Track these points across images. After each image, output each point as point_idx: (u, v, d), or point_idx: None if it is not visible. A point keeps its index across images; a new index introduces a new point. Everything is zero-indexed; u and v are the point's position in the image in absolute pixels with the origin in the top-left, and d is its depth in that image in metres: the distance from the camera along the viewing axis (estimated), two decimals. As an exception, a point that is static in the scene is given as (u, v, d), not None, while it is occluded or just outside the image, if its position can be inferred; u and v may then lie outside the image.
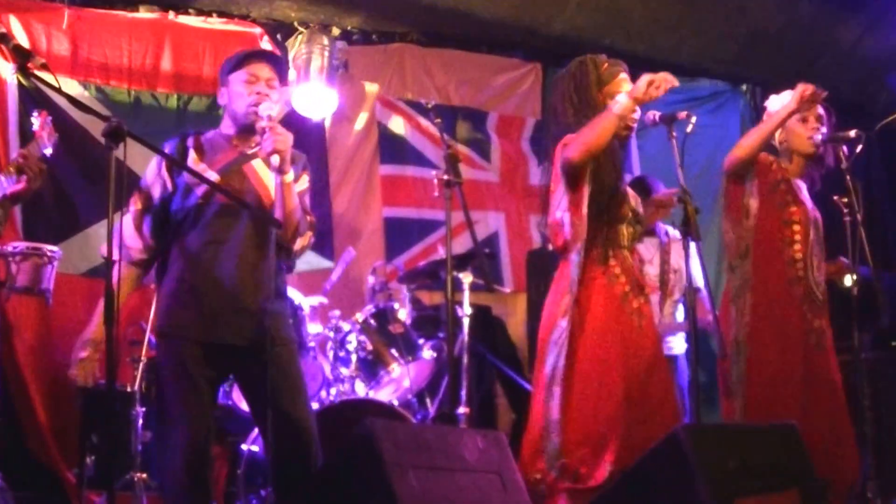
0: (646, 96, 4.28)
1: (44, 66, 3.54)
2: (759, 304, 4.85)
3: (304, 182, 4.40)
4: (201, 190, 4.17)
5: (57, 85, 3.59)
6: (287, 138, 4.10)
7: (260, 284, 4.13)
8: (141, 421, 5.61)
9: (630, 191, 4.61)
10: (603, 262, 4.42)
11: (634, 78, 4.67)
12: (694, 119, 4.42)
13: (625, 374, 4.31)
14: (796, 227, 4.89)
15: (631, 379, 4.32)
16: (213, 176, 4.17)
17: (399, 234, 7.69)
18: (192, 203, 4.18)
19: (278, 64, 4.37)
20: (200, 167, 4.19)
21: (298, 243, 4.26)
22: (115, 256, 3.51)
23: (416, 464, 3.42)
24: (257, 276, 4.14)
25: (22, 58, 3.52)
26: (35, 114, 5.21)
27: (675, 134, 4.43)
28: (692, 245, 6.08)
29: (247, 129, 4.27)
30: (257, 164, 4.27)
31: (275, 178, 4.11)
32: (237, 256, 4.14)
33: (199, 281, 4.13)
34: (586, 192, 4.37)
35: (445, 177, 4.59)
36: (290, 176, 4.13)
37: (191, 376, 4.09)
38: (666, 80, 4.28)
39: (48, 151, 5.09)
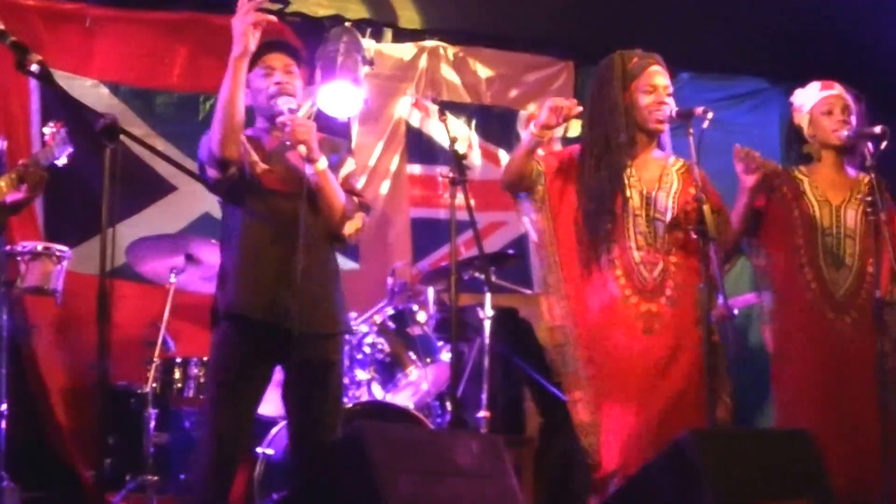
0: (550, 122, 4.32)
1: (41, 63, 3.49)
2: (782, 321, 4.80)
3: (350, 165, 4.42)
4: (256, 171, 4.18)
5: (55, 81, 3.56)
6: (308, 127, 4.09)
7: (322, 269, 4.21)
8: (153, 423, 5.59)
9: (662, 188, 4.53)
10: (597, 263, 4.43)
11: (672, 72, 4.64)
12: (710, 115, 4.33)
13: (631, 379, 4.26)
14: (799, 231, 4.78)
15: (640, 384, 4.26)
16: (261, 165, 4.18)
17: (427, 235, 7.60)
18: (252, 175, 4.17)
19: (291, 49, 4.32)
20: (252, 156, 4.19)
21: (348, 227, 4.26)
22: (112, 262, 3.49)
23: (408, 468, 3.34)
24: (318, 262, 4.18)
25: (19, 55, 3.48)
26: (50, 124, 5.21)
27: (692, 130, 4.35)
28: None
29: (275, 121, 4.23)
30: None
31: (307, 168, 4.08)
32: (302, 242, 4.08)
33: (263, 263, 4.10)
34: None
35: (450, 174, 4.49)
36: (321, 163, 4.11)
37: (232, 376, 4.07)
38: (569, 107, 4.32)
39: (61, 162, 5.09)
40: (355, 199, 4.31)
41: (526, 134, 4.41)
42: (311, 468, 4.08)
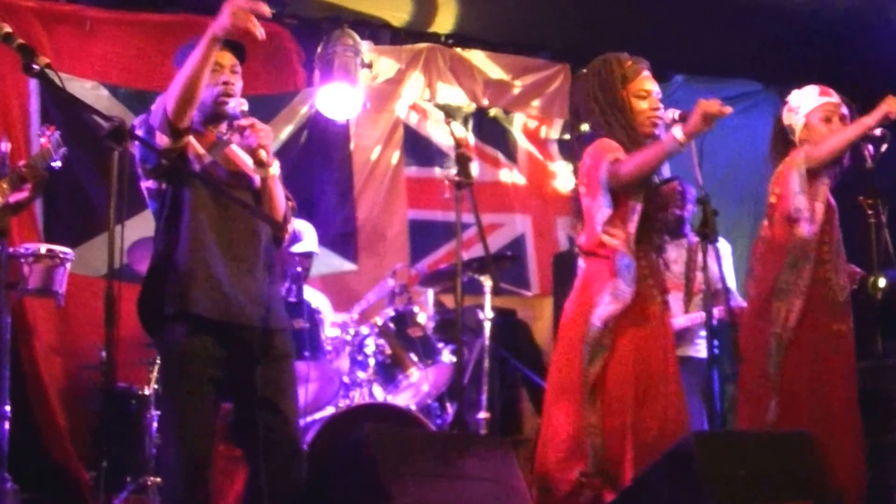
0: (700, 130, 4.18)
1: (48, 66, 3.50)
2: (803, 310, 4.74)
3: (277, 167, 4.28)
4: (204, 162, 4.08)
5: (61, 84, 3.57)
6: (269, 132, 4.07)
7: (268, 267, 4.10)
8: (156, 424, 5.59)
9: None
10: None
11: (657, 76, 4.63)
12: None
13: (638, 375, 4.27)
14: (826, 227, 4.77)
15: (643, 381, 4.27)
16: (206, 157, 4.06)
17: (424, 237, 7.62)
18: (198, 168, 4.05)
19: (239, 48, 4.21)
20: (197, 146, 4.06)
21: (287, 232, 4.25)
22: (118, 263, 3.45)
23: (414, 471, 3.36)
24: (266, 259, 4.09)
25: (26, 57, 3.49)
26: (44, 127, 5.22)
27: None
28: (725, 246, 6.13)
29: (214, 118, 4.13)
30: (235, 147, 4.17)
31: (259, 173, 4.05)
32: (248, 236, 4.05)
33: (214, 258, 3.98)
34: (637, 207, 4.34)
35: (456, 177, 4.49)
36: (274, 168, 4.10)
37: (194, 379, 3.93)
38: (720, 111, 4.17)
39: (56, 164, 5.09)
40: (289, 203, 4.29)
41: (670, 141, 4.20)
42: (283, 464, 3.95)
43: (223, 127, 4.16)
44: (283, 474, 3.92)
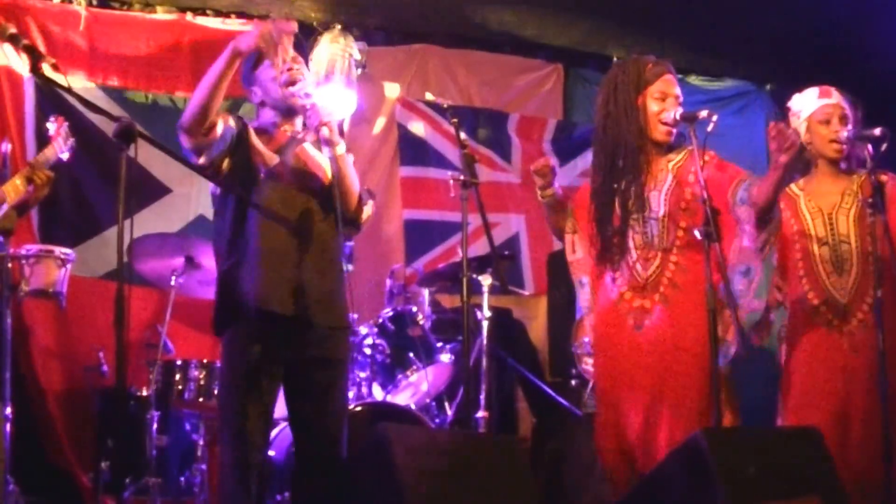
0: (540, 183, 4.69)
1: (54, 67, 3.51)
2: (790, 333, 4.82)
3: (344, 147, 4.29)
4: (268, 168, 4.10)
5: (67, 85, 3.57)
6: (330, 111, 4.09)
7: (333, 264, 4.14)
8: (156, 425, 5.58)
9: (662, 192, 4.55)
10: (603, 271, 4.49)
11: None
12: (715, 118, 4.32)
13: (622, 377, 4.31)
14: (797, 245, 4.84)
15: (630, 381, 4.30)
16: (274, 158, 4.10)
17: (419, 237, 7.65)
18: (260, 176, 4.08)
19: (297, 42, 4.19)
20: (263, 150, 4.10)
21: (364, 213, 4.28)
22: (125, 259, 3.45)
23: (429, 469, 3.37)
24: (329, 257, 4.12)
25: (33, 58, 3.49)
26: (52, 119, 5.19)
27: (695, 133, 4.35)
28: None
29: (289, 113, 4.18)
30: (308, 146, 4.20)
31: (328, 152, 4.07)
32: (312, 237, 4.08)
33: (289, 258, 4.02)
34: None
35: (462, 178, 4.51)
36: (341, 147, 4.10)
37: (258, 376, 3.96)
38: (547, 164, 4.65)
39: (65, 156, 5.07)
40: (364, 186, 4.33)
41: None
42: (319, 465, 4.02)
43: (297, 124, 4.19)
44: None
